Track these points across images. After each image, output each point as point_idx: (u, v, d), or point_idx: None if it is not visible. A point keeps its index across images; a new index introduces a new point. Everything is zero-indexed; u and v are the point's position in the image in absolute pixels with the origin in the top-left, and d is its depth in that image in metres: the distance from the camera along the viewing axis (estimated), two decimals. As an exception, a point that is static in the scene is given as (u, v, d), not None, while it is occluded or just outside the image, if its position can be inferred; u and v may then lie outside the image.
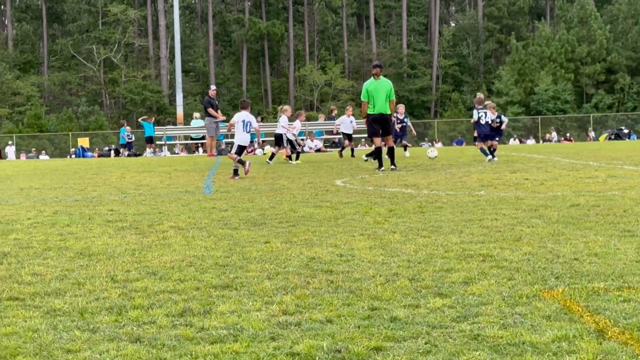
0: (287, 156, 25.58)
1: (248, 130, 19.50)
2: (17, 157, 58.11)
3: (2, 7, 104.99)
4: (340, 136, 45.70)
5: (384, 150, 21.00)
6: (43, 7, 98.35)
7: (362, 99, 20.91)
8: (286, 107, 27.56)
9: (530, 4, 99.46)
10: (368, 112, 20.64)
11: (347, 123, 29.61)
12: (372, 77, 20.86)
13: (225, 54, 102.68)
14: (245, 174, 18.95)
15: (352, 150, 29.13)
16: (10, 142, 63.26)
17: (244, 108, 19.97)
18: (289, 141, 25.75)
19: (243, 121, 19.44)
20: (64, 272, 7.44)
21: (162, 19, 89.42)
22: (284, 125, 25.78)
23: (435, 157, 24.37)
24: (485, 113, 23.87)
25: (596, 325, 5.19)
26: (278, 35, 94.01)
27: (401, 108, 29.14)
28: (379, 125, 20.62)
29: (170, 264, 7.68)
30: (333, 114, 45.96)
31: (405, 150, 28.92)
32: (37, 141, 68.32)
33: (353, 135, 30.36)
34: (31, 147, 65.03)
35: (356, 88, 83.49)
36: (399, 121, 28.66)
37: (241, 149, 19.55)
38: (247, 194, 14.60)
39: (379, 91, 20.47)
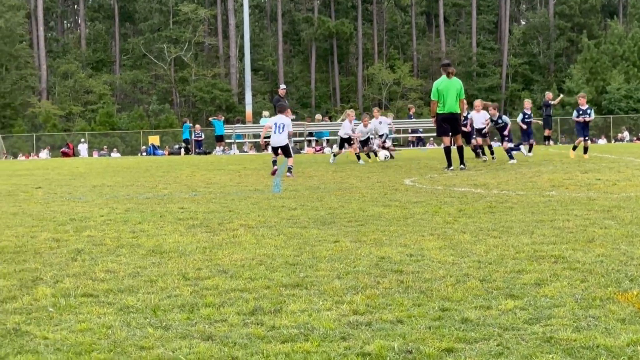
0: (356, 154, 25.55)
1: (281, 132, 20.27)
2: (90, 154, 59.05)
3: (76, 6, 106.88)
4: (418, 135, 45.58)
5: (453, 149, 20.89)
6: (115, 7, 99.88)
7: (432, 98, 20.75)
8: (349, 111, 27.82)
9: (603, 2, 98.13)
10: (437, 111, 20.51)
11: (377, 125, 29.33)
12: (443, 76, 20.61)
13: (294, 53, 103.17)
14: (272, 174, 19.76)
15: (390, 154, 28.47)
16: (82, 140, 64.31)
17: (280, 112, 21.18)
18: (363, 142, 26.17)
19: (275, 124, 20.44)
20: (137, 269, 7.52)
21: (232, 18, 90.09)
22: (347, 129, 26.03)
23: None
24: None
25: (672, 329, 5.10)
26: (347, 34, 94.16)
27: (527, 103, 28.75)
28: (448, 124, 20.47)
29: (241, 262, 7.72)
30: (411, 113, 45.79)
31: (529, 150, 28.50)
32: (108, 139, 69.38)
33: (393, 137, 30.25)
34: (103, 144, 66.05)
35: (425, 87, 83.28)
36: (528, 117, 28.09)
37: (275, 150, 20.52)
38: (316, 193, 14.63)
39: (450, 90, 20.30)
